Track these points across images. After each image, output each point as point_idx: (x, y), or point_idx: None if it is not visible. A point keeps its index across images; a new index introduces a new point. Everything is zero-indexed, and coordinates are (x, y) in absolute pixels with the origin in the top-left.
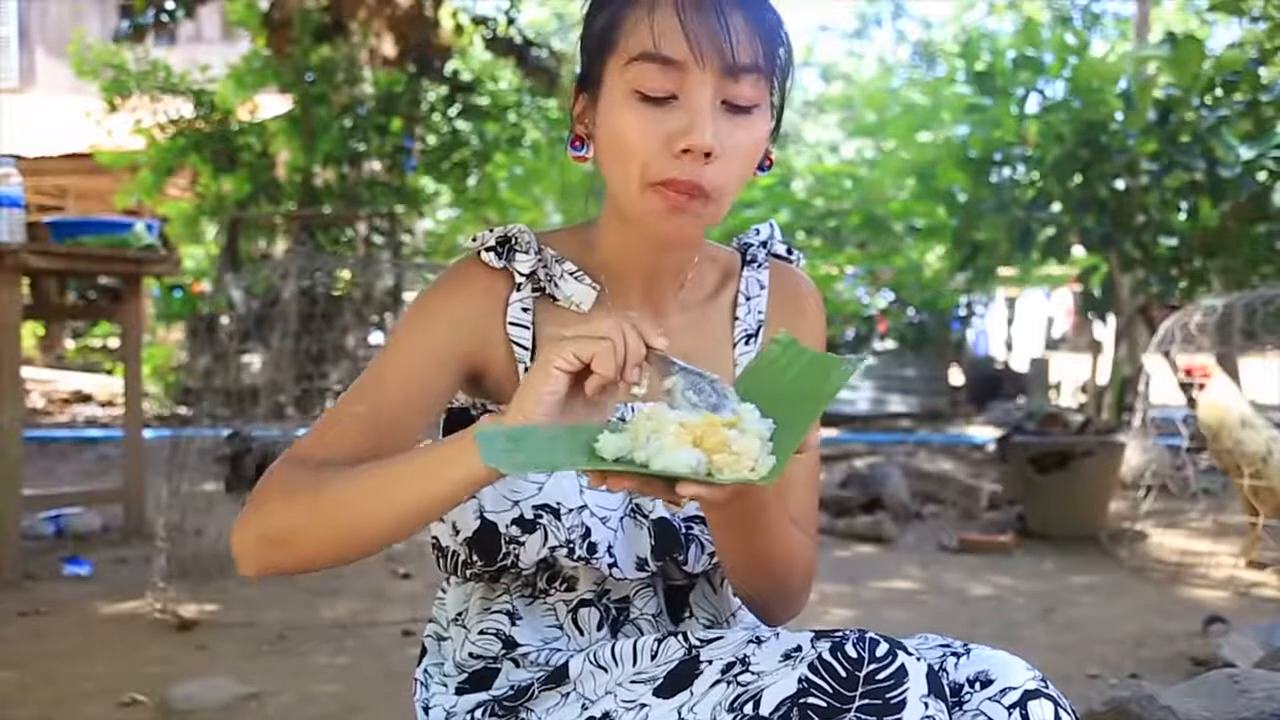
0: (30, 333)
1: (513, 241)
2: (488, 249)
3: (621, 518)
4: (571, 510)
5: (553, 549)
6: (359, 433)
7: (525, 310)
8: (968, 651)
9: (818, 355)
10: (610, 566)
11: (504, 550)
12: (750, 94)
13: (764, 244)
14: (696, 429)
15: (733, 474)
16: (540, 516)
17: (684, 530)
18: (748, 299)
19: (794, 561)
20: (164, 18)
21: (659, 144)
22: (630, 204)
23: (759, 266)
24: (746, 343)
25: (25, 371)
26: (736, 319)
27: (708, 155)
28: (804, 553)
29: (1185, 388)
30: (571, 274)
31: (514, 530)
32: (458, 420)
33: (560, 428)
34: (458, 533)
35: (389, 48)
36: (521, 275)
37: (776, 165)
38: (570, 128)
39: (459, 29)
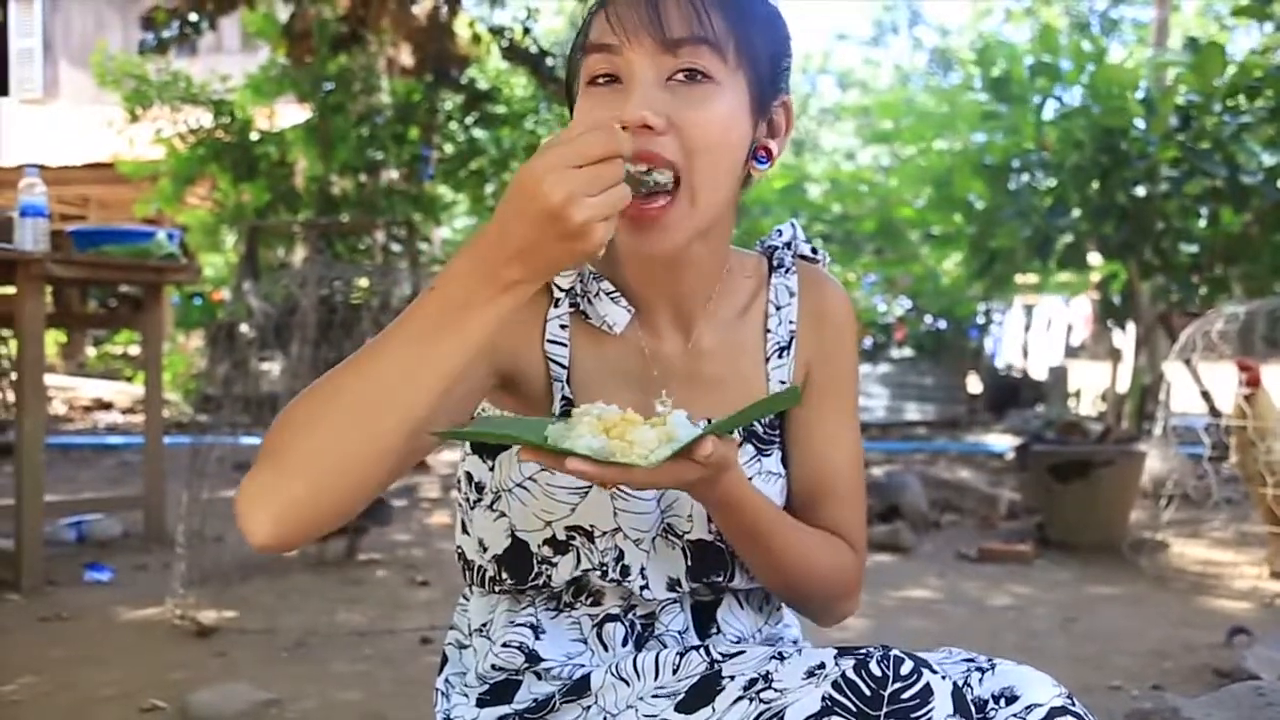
0: (53, 340)
1: None
2: None
3: (654, 539)
4: (605, 533)
5: (585, 571)
6: None
7: (563, 327)
8: (992, 667)
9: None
10: (641, 588)
11: (535, 570)
12: (698, 64)
13: (788, 245)
14: (609, 422)
15: (621, 457)
16: (573, 538)
17: (731, 550)
18: (778, 308)
19: (815, 571)
20: (186, 30)
21: None
22: None
23: (787, 272)
24: (780, 355)
25: (48, 378)
26: (768, 331)
27: (650, 129)
28: (836, 562)
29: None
30: (609, 294)
31: (546, 550)
32: None
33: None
34: (485, 549)
35: (406, 57)
36: (560, 290)
37: (792, 170)
38: None
39: (476, 38)
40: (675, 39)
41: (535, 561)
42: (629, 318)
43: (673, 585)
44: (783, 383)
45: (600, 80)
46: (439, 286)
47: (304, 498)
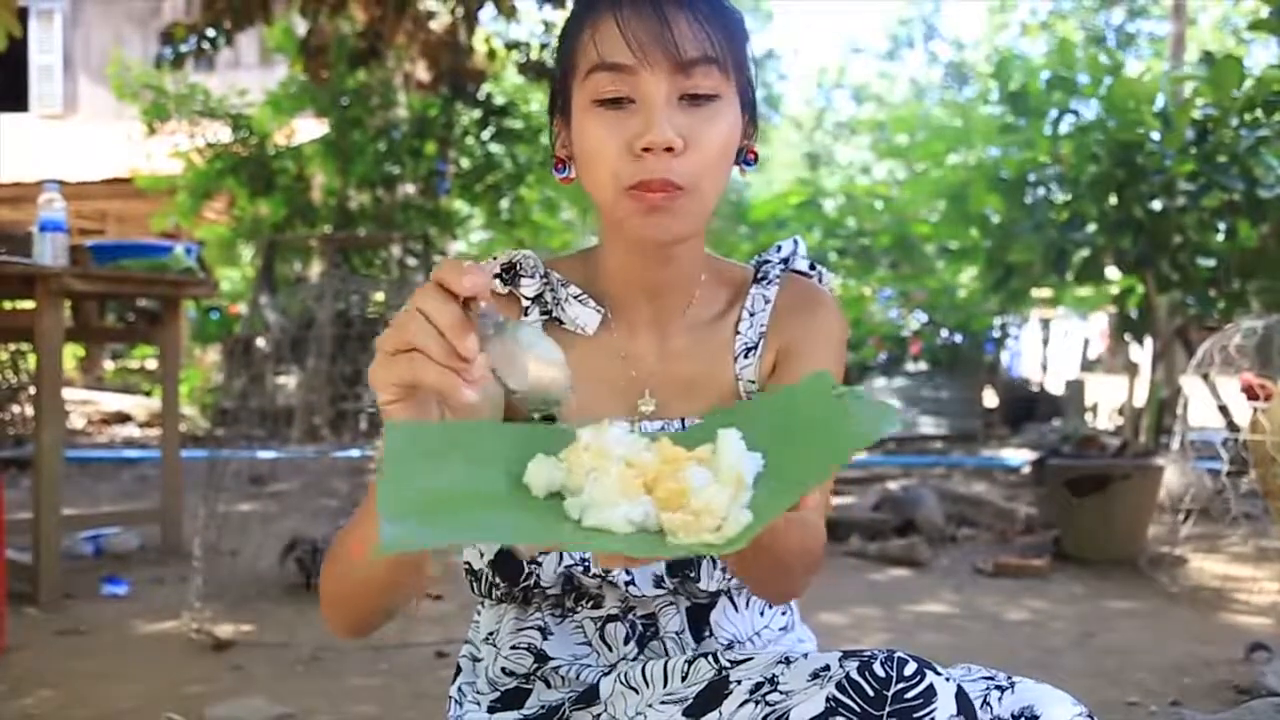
0: (71, 354)
1: (517, 267)
2: (494, 276)
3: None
4: None
5: (569, 567)
6: None
7: None
8: (1012, 685)
9: (861, 400)
10: (627, 584)
11: (525, 570)
12: (707, 84)
13: (784, 261)
14: (650, 471)
15: (686, 539)
16: None
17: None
18: (751, 315)
19: (807, 555)
20: (204, 45)
21: (622, 147)
22: (610, 211)
23: (769, 283)
24: (746, 356)
25: (66, 392)
26: (738, 334)
27: (670, 150)
28: (815, 538)
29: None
30: (576, 297)
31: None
32: None
33: (486, 436)
34: (483, 555)
35: (423, 72)
36: (527, 299)
37: (808, 185)
38: (553, 154)
39: (492, 54)
40: (690, 60)
41: (524, 563)
42: (599, 319)
43: (658, 581)
44: (751, 381)
45: (611, 101)
46: None
47: (353, 626)
